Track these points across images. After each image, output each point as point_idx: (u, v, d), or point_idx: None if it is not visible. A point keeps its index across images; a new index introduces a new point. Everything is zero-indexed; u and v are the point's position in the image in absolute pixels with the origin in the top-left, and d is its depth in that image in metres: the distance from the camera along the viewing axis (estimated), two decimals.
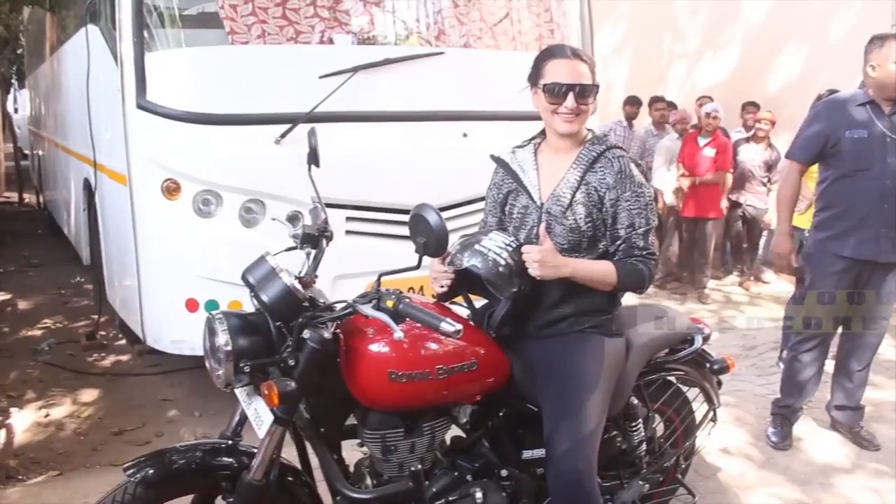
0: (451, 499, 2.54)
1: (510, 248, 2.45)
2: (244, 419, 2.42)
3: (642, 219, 2.53)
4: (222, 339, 2.22)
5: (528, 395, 2.59)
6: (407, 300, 2.22)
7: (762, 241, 8.16)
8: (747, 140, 8.01)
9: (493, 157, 2.77)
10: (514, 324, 2.60)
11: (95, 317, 6.08)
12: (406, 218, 2.53)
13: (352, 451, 2.64)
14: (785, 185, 4.20)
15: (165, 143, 4.19)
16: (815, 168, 4.30)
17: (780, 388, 4.40)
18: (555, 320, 2.59)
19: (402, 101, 4.45)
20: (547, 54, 2.61)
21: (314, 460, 2.52)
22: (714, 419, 3.30)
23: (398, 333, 2.14)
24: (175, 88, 4.21)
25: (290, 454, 2.50)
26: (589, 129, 2.67)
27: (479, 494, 2.51)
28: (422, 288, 4.18)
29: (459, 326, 2.13)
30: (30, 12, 10.46)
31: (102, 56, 4.78)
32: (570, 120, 2.53)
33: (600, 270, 2.52)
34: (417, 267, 2.46)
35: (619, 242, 2.55)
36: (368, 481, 2.55)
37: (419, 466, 2.46)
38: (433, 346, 2.39)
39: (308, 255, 2.52)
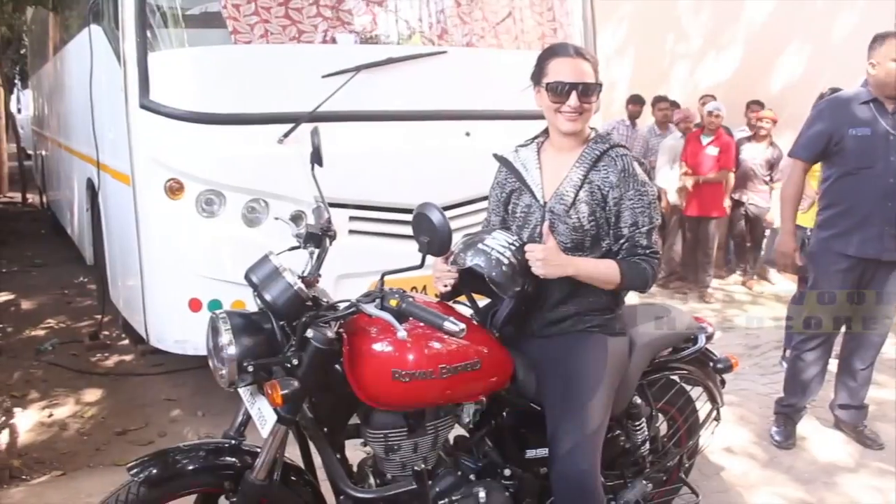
0: (454, 498, 2.54)
1: (513, 247, 2.45)
2: (247, 419, 2.42)
3: (645, 217, 2.53)
4: (226, 338, 2.22)
5: (532, 394, 2.59)
6: (410, 299, 2.22)
7: (765, 240, 8.18)
8: (749, 139, 8.00)
9: (496, 156, 2.77)
10: (517, 323, 2.60)
11: (99, 317, 6.09)
12: (409, 217, 2.53)
13: (355, 451, 2.64)
14: (789, 183, 4.20)
15: (168, 142, 4.19)
16: (817, 167, 4.30)
17: (784, 387, 4.39)
18: (558, 319, 2.59)
19: (405, 100, 4.45)
20: (550, 53, 2.60)
21: (317, 460, 2.52)
22: (717, 418, 3.30)
23: (401, 333, 2.14)
24: (178, 88, 4.21)
25: (293, 454, 2.50)
26: (592, 128, 2.67)
27: (482, 494, 2.51)
28: (425, 287, 4.19)
29: (463, 325, 2.12)
30: (33, 12, 10.47)
31: (105, 56, 4.78)
32: (573, 118, 2.53)
33: (604, 269, 2.52)
34: (421, 266, 2.46)
35: (622, 241, 2.54)
36: (371, 481, 2.55)
37: (422, 466, 2.45)
38: (436, 345, 2.39)
39: (311, 254, 2.52)
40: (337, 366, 2.35)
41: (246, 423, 2.43)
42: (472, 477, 2.61)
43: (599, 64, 2.63)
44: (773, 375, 5.25)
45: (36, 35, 11.06)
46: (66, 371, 5.42)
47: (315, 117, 4.00)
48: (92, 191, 5.77)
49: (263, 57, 4.32)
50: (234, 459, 2.37)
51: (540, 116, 2.67)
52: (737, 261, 8.70)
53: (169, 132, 4.16)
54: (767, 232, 8.00)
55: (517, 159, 2.69)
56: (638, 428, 2.94)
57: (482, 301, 2.73)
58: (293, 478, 2.48)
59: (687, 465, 3.36)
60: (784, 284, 7.80)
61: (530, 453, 2.66)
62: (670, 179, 7.99)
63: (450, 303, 2.67)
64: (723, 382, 3.29)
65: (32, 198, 13.31)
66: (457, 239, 2.50)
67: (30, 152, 14.51)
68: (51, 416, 4.75)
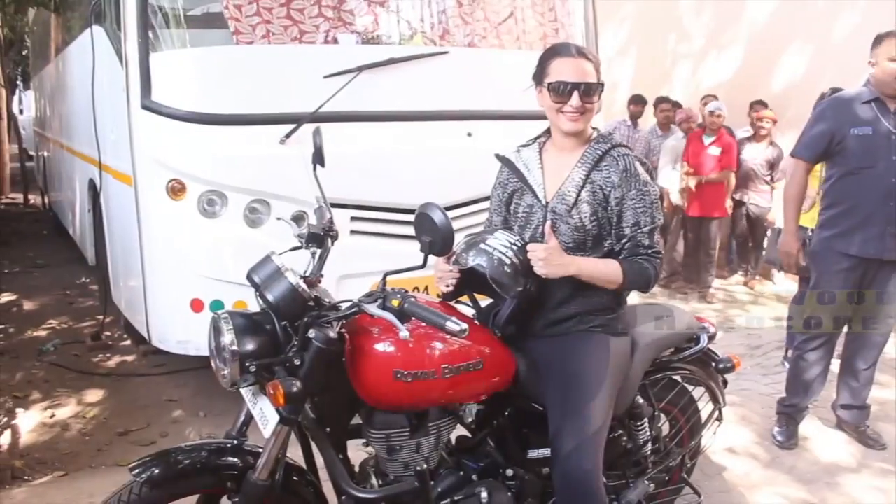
0: (456, 498, 2.54)
1: (515, 247, 2.45)
2: (249, 419, 2.42)
3: (647, 217, 2.53)
4: (228, 338, 2.22)
5: (534, 394, 2.59)
6: (412, 299, 2.22)
7: (766, 240, 8.17)
8: (749, 139, 7.99)
9: (497, 156, 2.77)
10: (519, 323, 2.59)
11: (101, 317, 6.09)
12: (411, 217, 2.53)
13: (357, 451, 2.64)
14: (791, 183, 4.19)
15: (170, 143, 4.19)
16: (818, 167, 4.30)
17: (786, 387, 4.39)
18: (560, 319, 2.58)
19: (407, 100, 4.45)
20: (552, 53, 2.60)
21: (319, 460, 2.52)
22: (720, 418, 3.30)
23: (404, 333, 2.14)
24: (180, 89, 4.21)
25: (295, 454, 2.50)
26: (594, 128, 2.66)
27: (484, 494, 2.51)
28: (427, 287, 4.19)
29: (465, 325, 2.12)
30: (35, 14, 10.49)
31: (107, 57, 4.79)
32: (575, 118, 2.53)
33: (605, 269, 2.52)
34: (423, 266, 2.46)
35: (624, 241, 2.54)
36: (373, 481, 2.55)
37: (424, 466, 2.45)
38: (439, 345, 2.39)
39: (313, 254, 2.52)
40: (339, 366, 2.35)
41: (248, 424, 2.43)
42: (474, 477, 2.61)
43: (601, 64, 2.63)
44: (775, 376, 5.25)
45: (38, 36, 11.08)
46: (67, 371, 5.43)
47: (317, 118, 4.00)
48: (94, 191, 5.78)
49: (265, 57, 4.33)
50: (236, 460, 2.36)
51: (542, 116, 2.67)
52: (739, 261, 8.69)
53: (171, 133, 4.16)
54: (769, 232, 7.99)
55: (519, 159, 2.69)
56: (640, 428, 2.94)
57: (484, 301, 2.73)
58: (295, 478, 2.48)
59: (689, 466, 3.36)
60: (786, 284, 7.79)
61: (532, 453, 2.66)
62: (672, 180, 7.99)
63: (452, 303, 2.67)
64: (725, 383, 3.29)
65: (34, 199, 13.33)
66: (459, 239, 2.49)
67: (32, 153, 14.52)
68: (53, 416, 4.75)
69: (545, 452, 2.58)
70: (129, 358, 5.73)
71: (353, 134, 4.29)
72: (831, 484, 3.90)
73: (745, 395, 4.92)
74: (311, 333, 2.24)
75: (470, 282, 2.58)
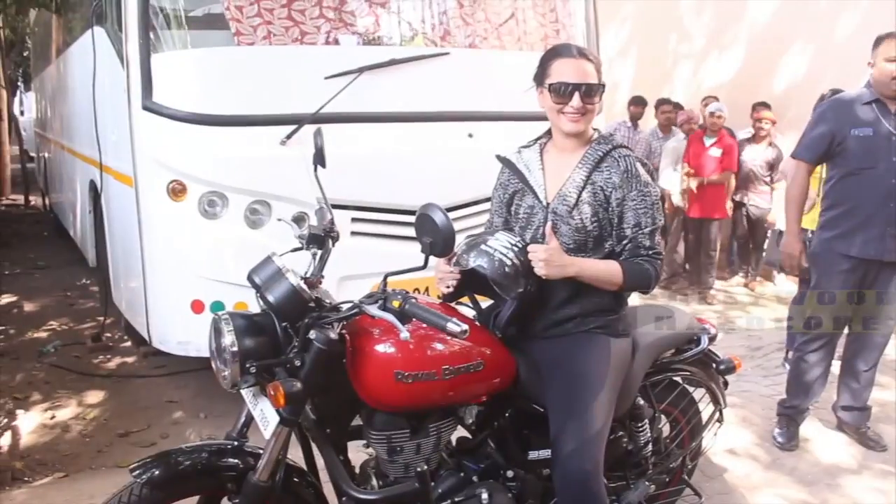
0: (456, 499, 2.53)
1: (516, 248, 2.45)
2: (250, 420, 2.42)
3: (648, 218, 2.53)
4: (228, 339, 2.22)
5: (535, 395, 2.59)
6: (413, 300, 2.22)
7: (766, 241, 8.17)
8: (749, 140, 7.98)
9: (498, 157, 2.77)
10: (520, 324, 2.59)
11: (101, 318, 6.09)
12: (411, 219, 2.53)
13: (357, 452, 2.64)
14: (793, 185, 4.19)
15: (171, 144, 4.20)
16: (817, 169, 4.30)
17: (786, 388, 4.39)
18: (561, 320, 2.58)
19: (408, 101, 4.46)
20: (553, 54, 2.60)
21: (320, 461, 2.52)
22: (720, 420, 3.30)
23: (404, 334, 2.14)
24: (181, 90, 4.21)
25: (295, 455, 2.50)
26: (595, 129, 2.67)
27: (484, 495, 2.51)
28: (427, 288, 4.18)
29: (466, 327, 2.12)
30: (36, 15, 10.49)
31: (108, 58, 4.79)
32: (575, 119, 2.53)
33: (606, 270, 2.51)
34: (424, 267, 2.46)
35: (625, 242, 2.54)
36: (374, 482, 2.55)
37: (425, 467, 2.45)
38: (439, 346, 2.39)
39: (314, 255, 2.51)
40: (339, 367, 2.35)
41: (248, 425, 2.43)
42: (474, 478, 2.61)
43: (602, 65, 2.63)
44: (775, 377, 5.24)
45: (39, 37, 11.09)
46: (68, 373, 5.42)
47: (318, 119, 4.01)
48: (94, 193, 5.78)
49: (266, 58, 4.33)
50: (236, 461, 2.36)
51: (543, 118, 2.67)
52: (740, 262, 8.69)
53: (172, 134, 4.17)
54: (769, 232, 7.99)
55: (520, 160, 2.69)
56: (641, 429, 2.94)
57: (485, 302, 2.73)
58: (296, 479, 2.48)
59: (690, 467, 3.36)
60: (786, 286, 7.79)
61: (533, 454, 2.66)
62: (674, 182, 7.99)
63: (452, 304, 2.67)
64: (725, 384, 3.30)
65: (35, 200, 13.34)
66: (460, 240, 2.49)
67: (32, 154, 14.53)
68: (53, 417, 4.75)
69: (546, 453, 2.58)
70: (130, 359, 5.73)
71: (354, 135, 4.29)
72: (832, 485, 3.90)
73: (746, 396, 4.92)
74: (312, 334, 2.23)
75: (471, 283, 2.58)
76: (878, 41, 3.92)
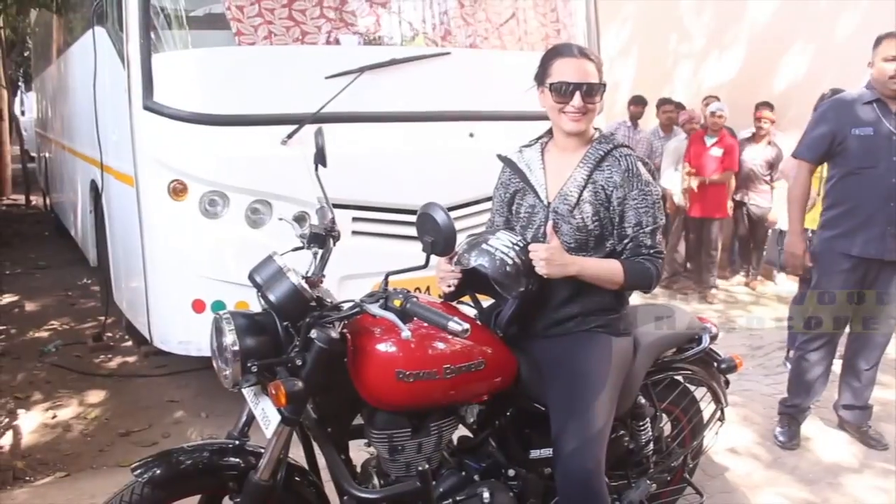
0: (458, 499, 2.53)
1: (517, 248, 2.45)
2: (251, 419, 2.42)
3: (649, 217, 2.53)
4: (230, 338, 2.22)
5: (536, 394, 2.59)
6: (414, 299, 2.22)
7: (767, 241, 8.17)
8: (748, 140, 7.97)
9: (499, 156, 2.77)
10: (521, 323, 2.59)
11: (102, 318, 6.09)
12: (412, 218, 2.53)
13: (359, 451, 2.64)
14: (795, 185, 4.20)
15: (172, 144, 4.20)
16: (818, 168, 4.30)
17: (788, 387, 4.39)
18: (562, 319, 2.58)
19: (409, 101, 4.46)
20: (554, 53, 2.60)
21: (321, 460, 2.52)
22: (721, 418, 3.30)
23: (406, 333, 2.14)
24: (182, 89, 4.21)
25: (297, 454, 2.50)
26: (596, 128, 2.67)
27: (486, 494, 2.51)
28: (429, 288, 4.19)
29: (467, 325, 2.12)
30: (37, 15, 10.49)
31: (109, 58, 4.79)
32: (577, 119, 2.53)
33: (607, 269, 2.51)
34: (425, 266, 2.46)
35: (626, 241, 2.54)
36: (375, 481, 2.55)
37: (426, 466, 2.45)
38: (440, 345, 2.39)
39: (315, 254, 2.51)
40: (341, 366, 2.35)
41: (250, 424, 2.43)
42: (475, 477, 2.61)
43: (603, 64, 2.63)
44: (776, 376, 5.25)
45: (39, 37, 11.09)
46: (69, 372, 5.43)
47: (319, 118, 4.01)
48: (95, 192, 5.78)
49: (267, 58, 4.33)
50: (237, 460, 2.36)
51: (543, 117, 2.67)
52: (741, 261, 8.69)
53: (172, 133, 4.17)
54: (770, 231, 7.99)
55: (521, 160, 2.69)
56: (642, 428, 2.94)
57: (486, 301, 2.73)
58: (297, 478, 2.48)
59: (691, 466, 3.36)
60: (787, 285, 7.79)
61: (534, 453, 2.66)
62: (675, 182, 7.99)
63: (454, 303, 2.67)
64: (727, 383, 3.30)
65: (36, 200, 13.34)
66: (461, 239, 2.50)
67: (33, 154, 14.53)
68: (54, 417, 4.75)
69: (547, 452, 2.58)
70: (131, 359, 5.73)
71: (355, 134, 4.29)
72: (833, 484, 3.90)
73: (747, 395, 4.92)
74: (313, 334, 2.23)
75: (472, 282, 2.58)
76: (878, 41, 3.94)
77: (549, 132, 2.71)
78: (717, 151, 7.63)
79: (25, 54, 16.38)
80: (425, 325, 2.25)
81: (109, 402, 4.97)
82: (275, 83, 4.23)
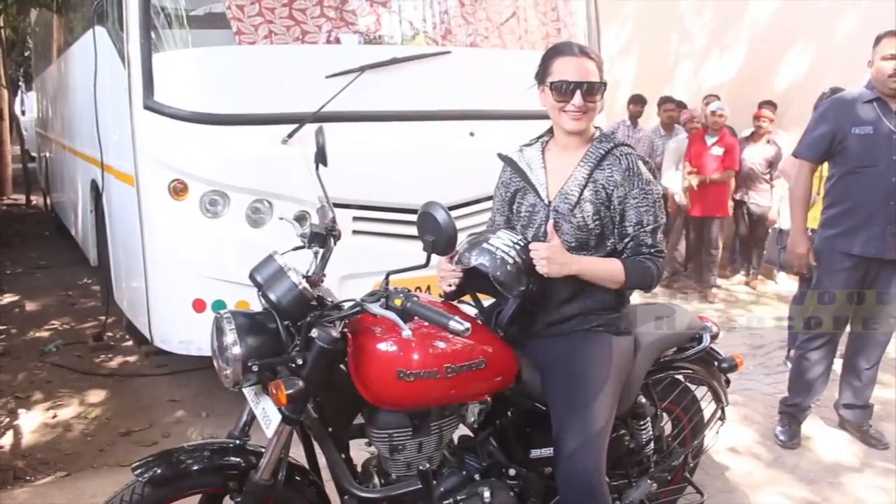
0: (458, 498, 2.53)
1: (518, 247, 2.45)
2: (252, 419, 2.42)
3: (650, 216, 2.52)
4: (230, 338, 2.22)
5: (537, 393, 2.59)
6: (415, 299, 2.22)
7: (767, 240, 8.17)
8: (748, 139, 7.97)
9: (500, 155, 2.77)
10: (522, 322, 2.59)
11: (103, 318, 6.08)
12: (413, 218, 2.53)
13: (360, 451, 2.64)
14: (797, 184, 4.20)
15: (172, 143, 4.20)
16: (821, 167, 4.30)
17: (788, 386, 4.39)
18: (563, 319, 2.58)
19: (409, 100, 4.45)
20: (554, 52, 2.60)
21: (322, 460, 2.52)
22: (722, 418, 3.29)
23: (406, 332, 2.14)
24: (182, 89, 4.21)
25: (297, 454, 2.50)
26: (597, 127, 2.66)
27: (486, 493, 2.51)
28: (429, 287, 4.18)
29: (468, 325, 2.12)
30: (37, 15, 10.48)
31: (110, 57, 4.79)
32: (577, 118, 2.52)
33: (608, 268, 2.51)
34: (426, 265, 2.45)
35: (626, 240, 2.54)
36: (376, 480, 2.55)
37: (427, 465, 2.45)
38: (441, 344, 2.38)
39: (316, 254, 2.51)
40: (342, 365, 2.35)
41: (250, 423, 2.43)
42: (476, 477, 2.60)
43: (603, 63, 2.63)
44: (777, 375, 5.24)
45: (40, 37, 11.09)
46: (70, 372, 5.43)
47: (319, 117, 4.00)
48: (96, 192, 5.78)
49: (267, 57, 4.33)
50: (238, 459, 2.36)
51: (544, 116, 2.66)
52: (742, 261, 8.68)
53: (173, 133, 4.17)
54: (770, 230, 7.99)
55: (521, 159, 2.69)
56: (643, 427, 2.94)
57: (487, 300, 2.73)
58: (298, 478, 2.48)
59: (692, 465, 3.36)
60: (787, 284, 7.79)
61: (535, 453, 2.66)
62: (676, 181, 7.98)
63: (454, 302, 2.66)
64: (727, 382, 3.29)
65: (36, 200, 13.34)
66: (461, 239, 2.49)
67: (34, 154, 14.52)
68: (55, 417, 4.75)
69: (548, 452, 2.58)
70: (132, 358, 5.73)
71: (356, 134, 4.29)
72: (834, 483, 3.90)
73: (748, 394, 4.92)
74: (314, 333, 2.23)
75: (473, 281, 2.58)
76: (878, 39, 3.95)
77: (550, 131, 2.71)
78: (717, 151, 7.62)
79: (26, 54, 16.36)
80: (426, 324, 2.25)
81: (110, 402, 4.97)
82: (275, 82, 4.23)
